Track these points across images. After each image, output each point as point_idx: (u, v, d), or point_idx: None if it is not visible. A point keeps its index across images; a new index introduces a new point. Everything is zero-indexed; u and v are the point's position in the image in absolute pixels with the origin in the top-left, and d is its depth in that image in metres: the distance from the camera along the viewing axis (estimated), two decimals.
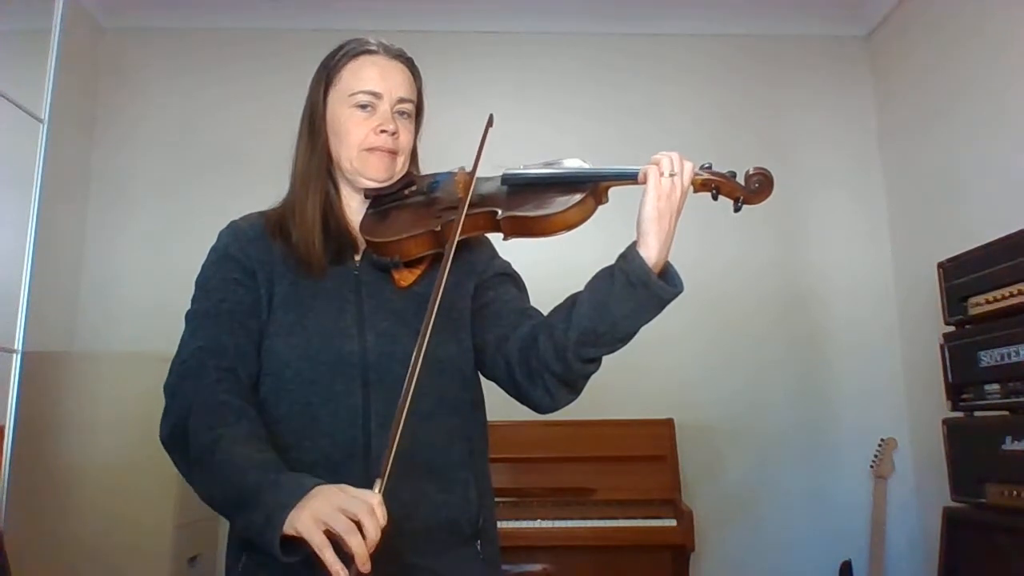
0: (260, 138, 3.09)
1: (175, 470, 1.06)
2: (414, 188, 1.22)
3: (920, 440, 3.01)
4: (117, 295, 3.14)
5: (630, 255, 1.05)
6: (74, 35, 2.79)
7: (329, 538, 0.86)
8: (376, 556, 1.06)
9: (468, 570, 1.14)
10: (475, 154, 1.15)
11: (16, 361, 2.23)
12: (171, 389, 1.10)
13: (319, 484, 0.92)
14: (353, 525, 0.86)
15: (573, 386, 1.14)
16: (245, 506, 0.95)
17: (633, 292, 1.04)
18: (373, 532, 0.85)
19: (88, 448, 2.48)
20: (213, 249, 1.21)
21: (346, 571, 0.83)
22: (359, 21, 3.19)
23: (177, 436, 1.06)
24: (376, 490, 0.89)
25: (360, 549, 0.84)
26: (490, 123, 1.16)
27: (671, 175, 1.05)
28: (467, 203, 1.09)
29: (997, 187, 2.60)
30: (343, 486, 0.91)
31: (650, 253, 1.04)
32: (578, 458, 2.77)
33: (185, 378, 1.10)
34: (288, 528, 0.88)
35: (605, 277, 1.07)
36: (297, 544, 0.89)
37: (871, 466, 2.99)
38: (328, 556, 0.84)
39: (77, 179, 3.22)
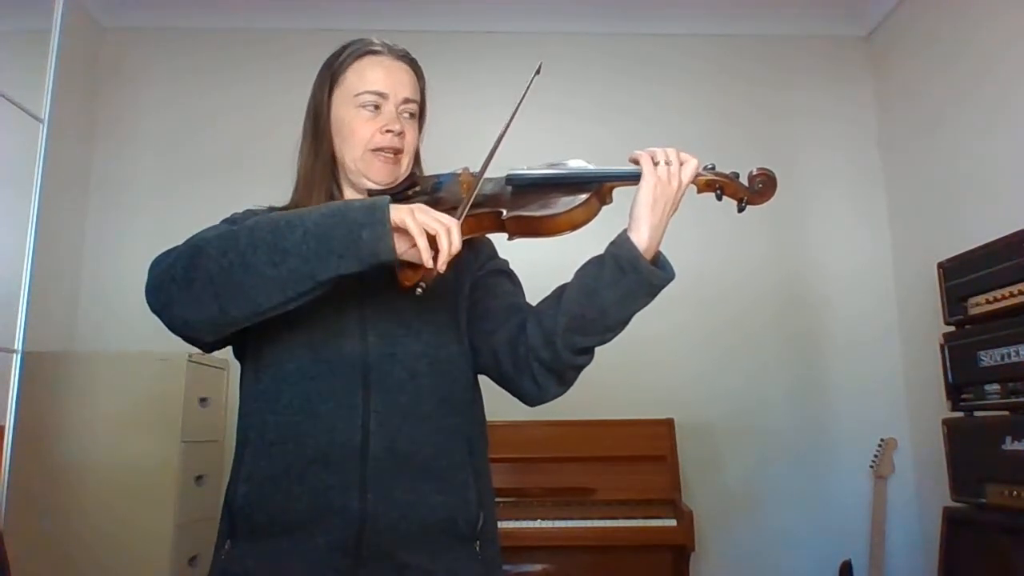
0: (261, 138, 3.10)
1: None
2: (418, 189, 1.21)
3: (920, 440, 3.02)
4: (117, 295, 3.13)
5: (620, 240, 1.06)
6: (74, 35, 2.79)
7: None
8: (371, 556, 1.06)
9: (466, 571, 1.13)
10: (503, 128, 1.13)
11: (16, 361, 2.23)
12: (156, 259, 1.10)
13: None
14: (445, 226, 0.96)
15: (562, 377, 1.13)
16: (338, 230, 0.97)
17: (623, 277, 1.04)
18: (457, 241, 0.96)
19: (88, 448, 2.47)
20: (224, 219, 1.21)
21: (433, 262, 0.96)
22: (360, 21, 3.19)
23: (181, 266, 1.04)
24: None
25: (447, 249, 0.95)
26: (538, 71, 1.17)
27: (667, 163, 1.05)
28: (473, 195, 1.08)
29: (997, 187, 2.61)
30: None
31: (641, 239, 1.04)
32: (578, 458, 2.77)
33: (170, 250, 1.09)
34: (394, 219, 0.96)
35: (595, 263, 1.08)
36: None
37: (871, 466, 2.99)
38: (423, 243, 0.95)
39: (77, 179, 3.22)
